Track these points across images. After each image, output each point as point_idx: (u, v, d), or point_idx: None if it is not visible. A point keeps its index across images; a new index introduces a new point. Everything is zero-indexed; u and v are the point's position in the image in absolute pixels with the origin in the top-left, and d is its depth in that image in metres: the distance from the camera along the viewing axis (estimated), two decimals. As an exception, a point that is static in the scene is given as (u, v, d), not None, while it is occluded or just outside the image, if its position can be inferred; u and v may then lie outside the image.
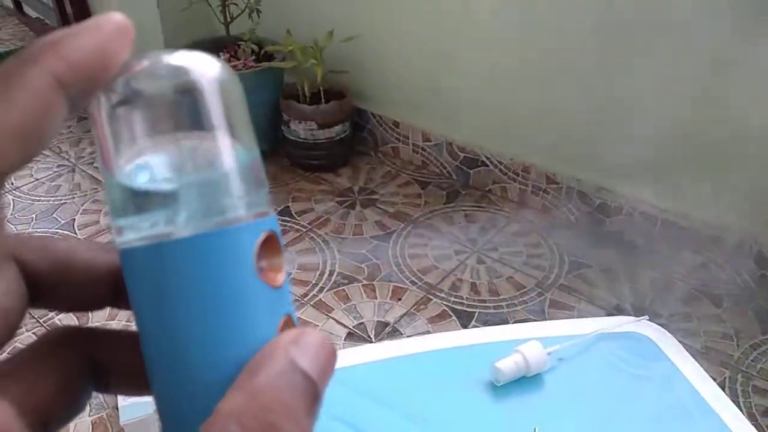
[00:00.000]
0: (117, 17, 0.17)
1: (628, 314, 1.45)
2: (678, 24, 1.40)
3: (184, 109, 0.17)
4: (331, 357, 0.17)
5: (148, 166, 0.17)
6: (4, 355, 0.18)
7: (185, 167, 0.17)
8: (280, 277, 0.18)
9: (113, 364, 0.20)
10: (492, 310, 1.48)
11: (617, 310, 1.46)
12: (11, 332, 0.18)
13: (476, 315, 1.46)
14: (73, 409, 0.19)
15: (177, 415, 0.17)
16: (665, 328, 1.36)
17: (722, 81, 1.40)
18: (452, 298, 1.51)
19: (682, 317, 1.44)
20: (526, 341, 0.63)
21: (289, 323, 0.18)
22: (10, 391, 0.17)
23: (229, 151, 0.17)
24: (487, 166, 1.88)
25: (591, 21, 1.53)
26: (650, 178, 1.60)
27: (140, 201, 0.17)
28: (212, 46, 2.03)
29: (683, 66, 1.44)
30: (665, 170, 1.57)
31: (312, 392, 0.16)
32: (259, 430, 0.15)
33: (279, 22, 1.96)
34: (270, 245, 0.18)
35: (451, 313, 1.46)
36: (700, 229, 1.56)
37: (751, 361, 1.33)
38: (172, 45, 2.14)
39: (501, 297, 1.52)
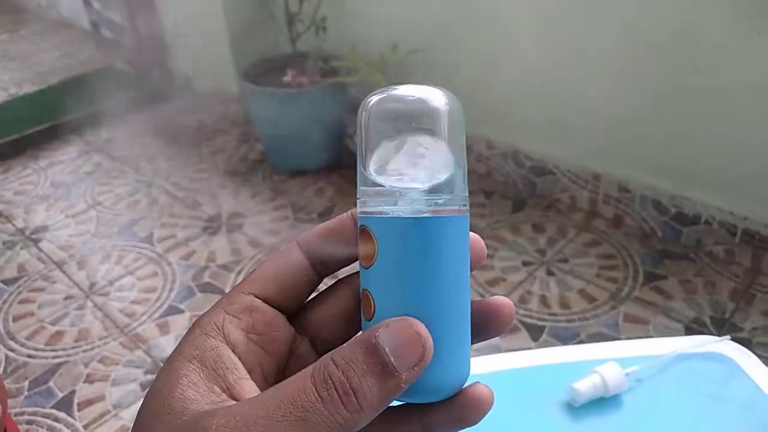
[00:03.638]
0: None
1: (707, 328, 1.40)
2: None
3: (420, 124, 0.23)
4: (411, 339, 0.22)
5: (390, 165, 0.24)
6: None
7: (413, 168, 0.23)
8: (367, 261, 0.24)
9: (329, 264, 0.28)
10: (563, 324, 1.45)
11: (695, 324, 1.41)
12: (302, 300, 0.27)
13: (546, 328, 1.44)
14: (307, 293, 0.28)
15: None
16: (746, 342, 1.30)
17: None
18: (521, 311, 1.49)
19: (764, 331, 1.38)
20: (604, 361, 0.62)
21: (366, 296, 0.24)
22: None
23: (446, 160, 0.24)
24: (555, 174, 1.85)
25: (663, 24, 1.49)
26: (730, 186, 1.54)
27: (377, 190, 0.24)
28: (279, 63, 2.09)
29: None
30: (746, 177, 1.51)
31: (380, 363, 0.21)
32: (318, 374, 0.21)
33: (344, 38, 2.00)
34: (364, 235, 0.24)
35: (520, 326, 1.45)
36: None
37: (844, 378, 1.26)
38: (240, 62, 2.21)
39: (572, 310, 1.49)
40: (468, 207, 0.24)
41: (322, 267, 0.27)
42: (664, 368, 0.65)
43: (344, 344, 0.22)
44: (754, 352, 0.65)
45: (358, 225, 0.24)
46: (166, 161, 2.30)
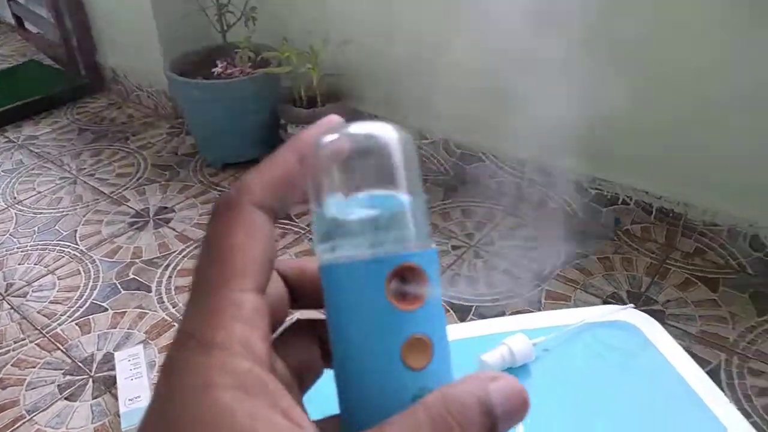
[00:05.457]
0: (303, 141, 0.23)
1: (624, 302, 1.46)
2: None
3: (372, 163, 0.22)
4: (522, 406, 0.20)
5: (344, 205, 0.22)
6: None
7: (367, 207, 0.22)
8: (412, 303, 0.21)
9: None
10: (489, 304, 1.49)
11: (613, 299, 1.48)
12: (280, 323, 0.24)
13: (473, 309, 1.48)
14: (318, 374, 0.25)
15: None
16: (660, 314, 1.36)
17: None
18: (450, 293, 1.52)
19: (677, 303, 1.45)
20: (513, 333, 0.64)
21: (418, 342, 0.21)
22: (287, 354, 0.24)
23: (402, 196, 0.22)
24: (484, 161, 1.89)
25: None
26: (646, 167, 1.61)
27: (332, 230, 0.22)
28: (210, 55, 2.05)
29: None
30: (658, 158, 1.58)
31: (490, 423, 0.19)
32: (438, 423, 0.19)
33: (275, 30, 1.98)
34: (412, 274, 0.21)
35: (449, 308, 1.48)
36: (694, 215, 1.57)
37: (747, 343, 1.34)
38: (170, 54, 2.16)
39: (498, 290, 1.53)
40: (430, 241, 0.23)
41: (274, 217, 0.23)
42: (572, 338, 0.67)
43: (456, 391, 0.20)
44: (667, 323, 0.67)
45: (394, 264, 0.21)
46: (92, 157, 2.23)
